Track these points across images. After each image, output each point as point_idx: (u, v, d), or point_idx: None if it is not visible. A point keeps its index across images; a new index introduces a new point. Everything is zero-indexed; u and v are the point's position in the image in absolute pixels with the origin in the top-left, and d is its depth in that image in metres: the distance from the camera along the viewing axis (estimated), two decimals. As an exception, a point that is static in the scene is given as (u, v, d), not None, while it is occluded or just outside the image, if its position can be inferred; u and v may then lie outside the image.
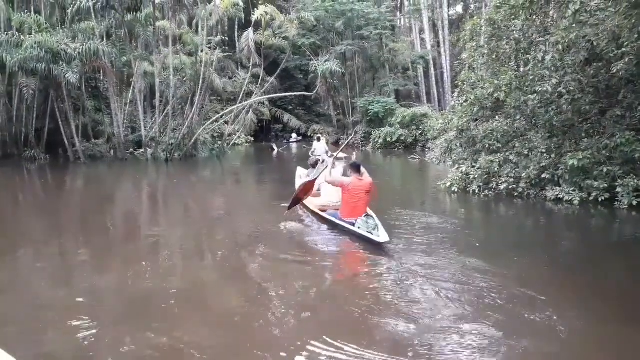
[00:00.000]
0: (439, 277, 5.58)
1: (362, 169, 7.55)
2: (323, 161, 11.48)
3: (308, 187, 8.51)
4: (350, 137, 24.89)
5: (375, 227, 6.79)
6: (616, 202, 8.99)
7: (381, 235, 6.49)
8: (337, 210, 7.78)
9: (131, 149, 23.11)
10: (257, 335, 4.21)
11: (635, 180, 8.84)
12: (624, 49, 8.16)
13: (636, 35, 7.72)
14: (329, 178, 7.92)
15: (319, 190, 8.98)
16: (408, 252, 6.58)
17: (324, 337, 4.02)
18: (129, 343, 4.06)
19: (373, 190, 7.50)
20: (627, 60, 8.20)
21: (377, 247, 6.57)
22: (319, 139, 19.72)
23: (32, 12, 20.34)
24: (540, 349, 3.93)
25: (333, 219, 7.50)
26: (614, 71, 8.51)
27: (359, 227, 6.88)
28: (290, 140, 35.75)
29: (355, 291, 5.28)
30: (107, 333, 4.26)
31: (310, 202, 8.82)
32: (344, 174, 9.25)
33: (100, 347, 3.99)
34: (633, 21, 7.25)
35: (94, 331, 4.23)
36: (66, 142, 20.98)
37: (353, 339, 3.98)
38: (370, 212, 7.48)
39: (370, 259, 6.32)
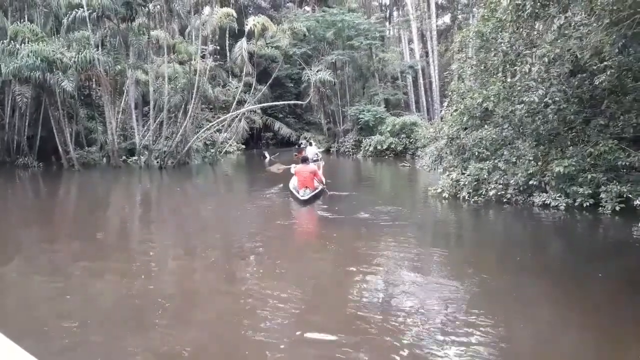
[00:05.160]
0: (426, 273, 5.89)
1: (309, 161, 12.72)
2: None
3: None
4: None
5: (309, 194, 11.41)
6: (600, 208, 9.34)
7: (305, 196, 11.34)
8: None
9: (124, 157, 23.22)
10: (250, 341, 4.31)
11: (618, 187, 9.21)
12: (606, 63, 8.58)
13: (616, 50, 8.13)
14: (292, 169, 12.91)
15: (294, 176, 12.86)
16: (398, 252, 6.90)
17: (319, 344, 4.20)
18: (122, 348, 4.16)
19: (314, 172, 11.88)
20: (609, 72, 8.63)
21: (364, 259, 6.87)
22: (310, 144, 25.19)
23: (26, 21, 20.44)
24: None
25: (293, 191, 12.10)
26: (597, 83, 8.92)
27: (298, 192, 11.62)
28: (302, 146, 36.31)
29: (350, 292, 5.54)
30: (100, 338, 4.38)
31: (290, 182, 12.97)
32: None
33: (93, 353, 4.13)
34: (614, 37, 7.66)
35: (86, 336, 4.36)
36: (60, 150, 21.04)
37: (349, 344, 4.15)
38: (317, 186, 11.84)
39: (359, 262, 6.62)
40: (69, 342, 4.29)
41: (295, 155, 18.02)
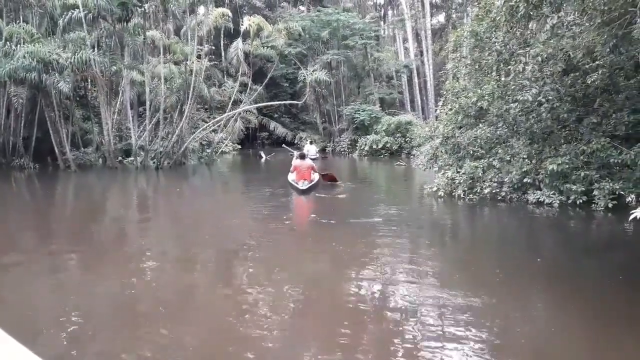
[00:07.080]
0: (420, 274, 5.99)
1: (306, 157, 14.52)
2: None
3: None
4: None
5: (307, 185, 13.05)
6: (593, 205, 9.50)
7: (304, 186, 12.98)
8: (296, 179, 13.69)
9: (120, 157, 23.21)
10: (246, 343, 4.31)
11: (611, 184, 9.36)
12: (598, 62, 8.71)
13: (608, 50, 8.28)
14: (294, 162, 14.33)
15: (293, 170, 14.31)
16: (395, 249, 7.00)
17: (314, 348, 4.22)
18: (119, 352, 4.17)
19: (311, 167, 13.70)
20: (601, 71, 8.77)
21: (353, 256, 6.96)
22: (311, 143, 27.40)
23: (22, 22, 20.41)
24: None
25: (292, 182, 13.59)
26: (590, 82, 9.07)
27: (297, 183, 13.22)
28: (301, 145, 36.53)
29: (344, 297, 5.60)
30: (97, 341, 4.40)
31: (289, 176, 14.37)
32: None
33: (92, 353, 4.17)
34: (605, 37, 7.79)
35: (84, 338, 4.38)
36: (56, 151, 21.00)
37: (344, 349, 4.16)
38: (314, 178, 13.64)
39: (355, 263, 6.70)
40: (68, 343, 4.30)
41: (290, 154, 19.62)
